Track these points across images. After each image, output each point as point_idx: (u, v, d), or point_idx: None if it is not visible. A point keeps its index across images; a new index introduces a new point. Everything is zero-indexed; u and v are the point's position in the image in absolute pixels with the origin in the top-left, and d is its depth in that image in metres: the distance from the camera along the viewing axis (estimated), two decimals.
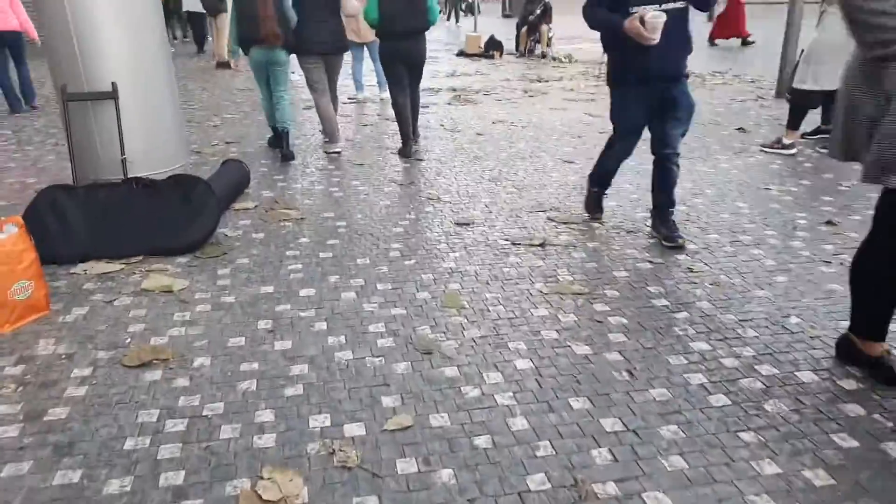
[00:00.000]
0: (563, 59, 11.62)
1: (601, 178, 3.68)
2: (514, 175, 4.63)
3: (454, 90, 8.45)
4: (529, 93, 8.11)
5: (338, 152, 5.28)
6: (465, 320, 2.59)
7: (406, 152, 5.18)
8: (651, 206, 3.48)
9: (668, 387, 2.14)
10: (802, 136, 5.26)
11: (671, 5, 2.98)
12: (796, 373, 2.21)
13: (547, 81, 9.08)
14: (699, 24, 16.05)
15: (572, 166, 4.81)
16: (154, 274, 3.05)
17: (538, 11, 12.16)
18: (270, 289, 2.90)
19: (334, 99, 5.43)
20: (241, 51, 5.07)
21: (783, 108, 6.56)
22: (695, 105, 3.21)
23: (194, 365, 2.30)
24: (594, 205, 3.74)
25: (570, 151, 5.22)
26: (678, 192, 3.44)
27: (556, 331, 2.50)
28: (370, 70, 8.31)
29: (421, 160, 5.04)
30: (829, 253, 3.18)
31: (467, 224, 3.66)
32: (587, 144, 5.41)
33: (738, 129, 5.87)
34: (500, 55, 12.37)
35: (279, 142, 5.14)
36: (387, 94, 6.92)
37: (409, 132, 5.20)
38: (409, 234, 3.52)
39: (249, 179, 4.39)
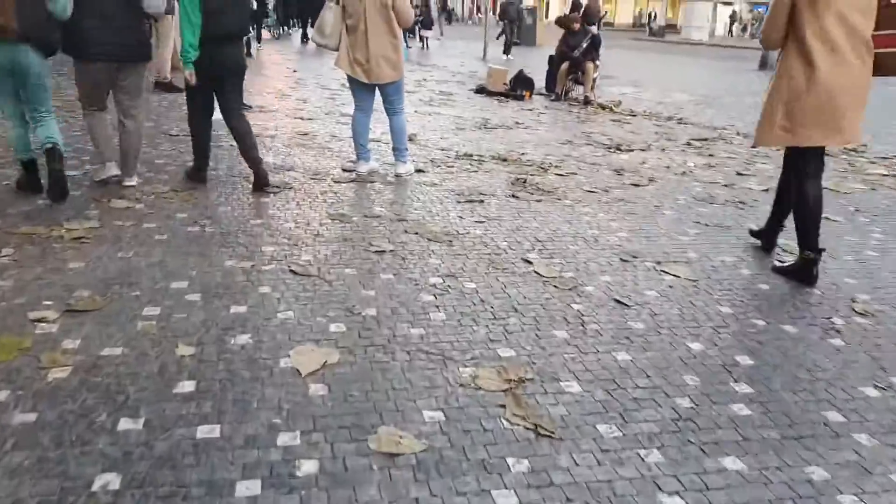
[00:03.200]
0: (613, 108, 8.72)
1: None
2: None
3: (504, 160, 5.35)
4: (623, 175, 5.05)
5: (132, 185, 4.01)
6: None
7: (201, 178, 4.22)
8: None
9: None
10: None
11: None
12: None
13: (630, 149, 6.07)
14: None
15: None
16: None
17: (584, 45, 9.23)
18: None
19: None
20: None
21: None
22: None
23: None
24: None
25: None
26: None
27: None
28: (380, 126, 5.21)
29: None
30: None
31: None
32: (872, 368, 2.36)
33: None
34: (530, 96, 9.41)
35: (34, 180, 3.79)
36: (406, 169, 4.83)
37: (207, 154, 4.24)
38: None
39: None
